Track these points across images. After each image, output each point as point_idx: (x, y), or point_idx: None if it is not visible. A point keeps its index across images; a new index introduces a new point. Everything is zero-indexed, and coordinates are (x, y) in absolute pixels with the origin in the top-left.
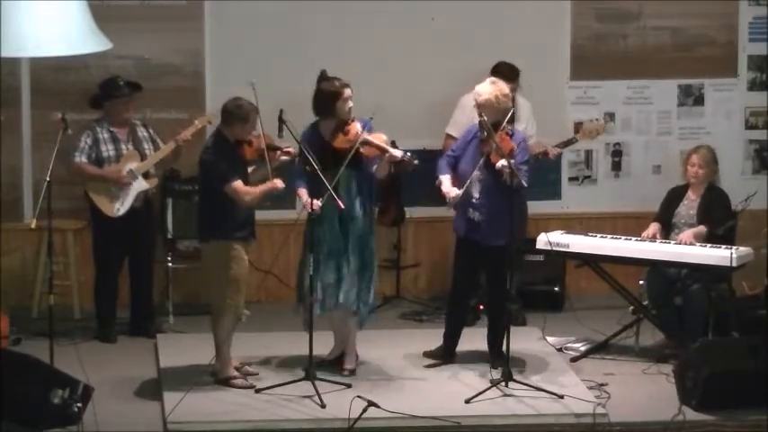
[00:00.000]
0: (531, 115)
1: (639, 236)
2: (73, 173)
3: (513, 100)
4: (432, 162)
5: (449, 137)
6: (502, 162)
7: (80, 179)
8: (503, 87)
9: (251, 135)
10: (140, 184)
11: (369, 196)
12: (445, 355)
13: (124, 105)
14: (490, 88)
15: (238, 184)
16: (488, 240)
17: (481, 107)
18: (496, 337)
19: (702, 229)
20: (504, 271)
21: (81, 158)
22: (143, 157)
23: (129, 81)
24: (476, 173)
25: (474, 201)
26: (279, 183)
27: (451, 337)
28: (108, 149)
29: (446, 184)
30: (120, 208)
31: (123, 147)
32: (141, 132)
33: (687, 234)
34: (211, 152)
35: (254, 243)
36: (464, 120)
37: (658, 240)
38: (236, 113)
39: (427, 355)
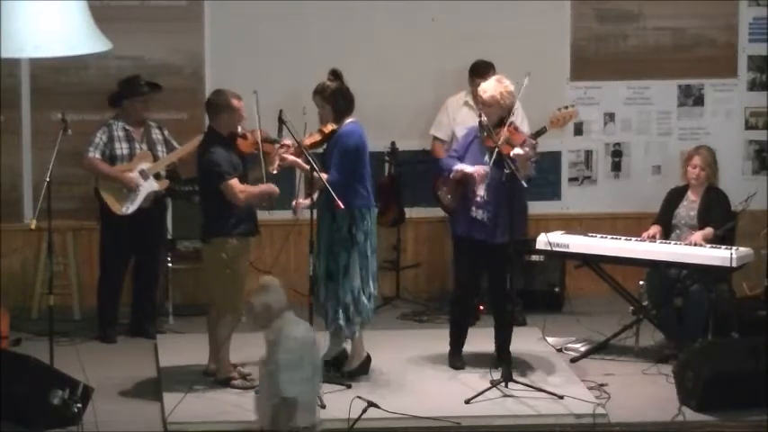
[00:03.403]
0: (522, 114)
1: (639, 236)
2: (86, 168)
3: None
4: (431, 164)
5: (435, 139)
6: (516, 151)
7: (92, 175)
8: (507, 85)
9: (245, 130)
10: (151, 185)
11: (350, 205)
12: (458, 360)
13: (143, 104)
14: (494, 85)
15: (234, 181)
16: (495, 238)
17: (486, 104)
18: (506, 338)
19: (710, 231)
20: (506, 269)
21: (95, 154)
22: (155, 158)
23: (148, 81)
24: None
25: (479, 199)
26: (274, 187)
27: (459, 339)
28: (122, 147)
29: (467, 166)
30: (130, 207)
31: (137, 146)
32: (156, 134)
33: (696, 236)
34: (207, 151)
35: (257, 239)
36: (445, 120)
37: (658, 241)
38: (219, 102)
39: (457, 366)
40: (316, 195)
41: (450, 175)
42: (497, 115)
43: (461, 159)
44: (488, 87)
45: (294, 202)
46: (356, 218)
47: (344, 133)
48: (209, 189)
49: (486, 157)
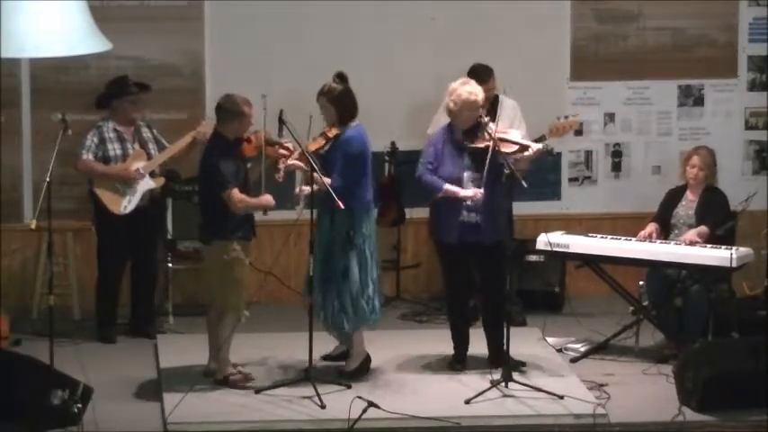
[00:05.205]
0: (519, 115)
1: (638, 236)
2: (81, 170)
3: (496, 99)
4: None
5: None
6: (536, 146)
7: (88, 177)
8: (473, 84)
9: (250, 133)
10: (147, 183)
11: (347, 210)
12: (462, 361)
13: (132, 105)
14: (478, 88)
15: (235, 191)
16: (490, 238)
17: (478, 108)
18: (499, 336)
19: (704, 229)
20: (504, 268)
21: (88, 156)
22: (149, 156)
23: (136, 81)
24: (467, 173)
25: (470, 203)
26: (271, 200)
27: (462, 342)
28: (114, 148)
29: (458, 189)
30: (128, 206)
31: (129, 146)
32: (146, 133)
33: (690, 234)
34: (212, 155)
35: (253, 241)
36: (444, 120)
37: (657, 241)
38: (231, 109)
39: (457, 368)
40: (314, 187)
41: (439, 195)
42: (475, 117)
43: (436, 169)
44: (477, 90)
45: (297, 189)
46: (355, 221)
47: (348, 138)
48: (209, 192)
49: (466, 160)
